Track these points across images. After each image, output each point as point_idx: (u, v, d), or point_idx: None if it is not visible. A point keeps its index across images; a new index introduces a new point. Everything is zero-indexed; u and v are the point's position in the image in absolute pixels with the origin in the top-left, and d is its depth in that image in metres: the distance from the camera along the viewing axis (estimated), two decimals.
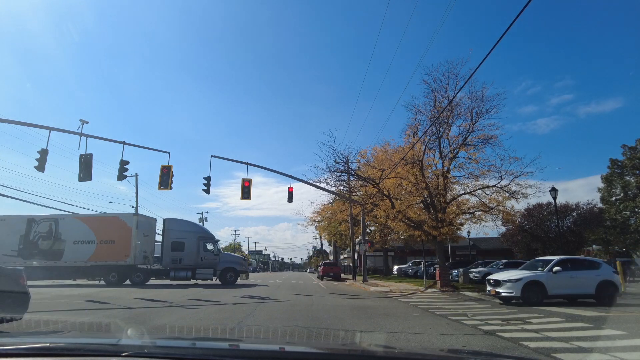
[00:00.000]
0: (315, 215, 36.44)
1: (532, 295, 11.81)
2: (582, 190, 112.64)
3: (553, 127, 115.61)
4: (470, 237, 34.95)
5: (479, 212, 19.42)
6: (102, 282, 21.59)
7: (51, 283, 20.85)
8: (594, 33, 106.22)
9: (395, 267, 41.31)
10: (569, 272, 12.26)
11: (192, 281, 22.55)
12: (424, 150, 19.43)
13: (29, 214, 22.85)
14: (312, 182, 21.48)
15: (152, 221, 24.58)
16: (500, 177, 18.37)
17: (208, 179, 17.47)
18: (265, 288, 19.52)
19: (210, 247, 23.20)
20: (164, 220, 23.75)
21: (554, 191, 20.33)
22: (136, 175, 38.02)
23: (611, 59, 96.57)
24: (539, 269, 12.77)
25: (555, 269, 12.17)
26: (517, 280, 12.01)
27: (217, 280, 22.72)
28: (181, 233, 22.97)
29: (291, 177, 20.59)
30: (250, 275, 29.02)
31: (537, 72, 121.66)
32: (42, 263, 21.24)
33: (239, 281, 23.15)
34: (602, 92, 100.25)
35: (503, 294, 12.18)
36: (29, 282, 22.66)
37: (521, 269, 13.96)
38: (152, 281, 22.93)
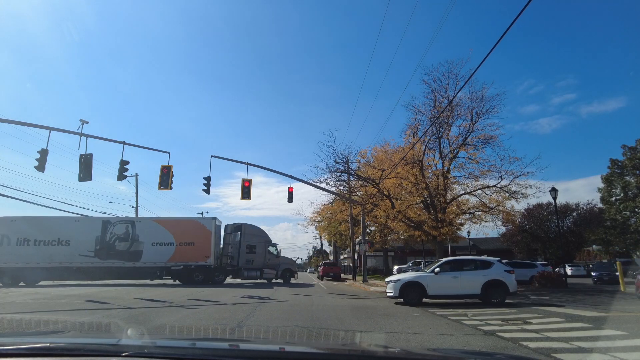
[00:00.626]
0: (315, 215, 36.47)
1: (411, 295, 12.19)
2: (584, 190, 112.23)
3: (555, 127, 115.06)
4: (470, 237, 34.96)
5: (479, 212, 19.45)
6: (177, 282, 22.93)
7: (89, 283, 21.60)
8: (598, 31, 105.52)
9: (395, 267, 41.20)
10: (452, 273, 12.43)
11: (260, 280, 24.98)
12: (424, 150, 19.46)
13: (104, 215, 24.43)
14: (312, 182, 21.51)
15: (220, 224, 25.85)
16: (500, 177, 18.43)
17: (208, 179, 17.47)
18: (268, 290, 19.52)
19: (273, 250, 25.69)
20: (242, 225, 25.58)
21: (554, 191, 20.31)
22: (136, 175, 38.05)
23: (615, 58, 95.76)
24: (424, 269, 13.28)
25: (436, 270, 12.47)
26: (396, 281, 12.57)
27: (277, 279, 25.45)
28: (253, 237, 25.09)
29: (291, 177, 20.59)
30: None
31: (540, 71, 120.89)
32: (120, 264, 22.02)
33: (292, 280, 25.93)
34: (605, 91, 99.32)
35: (388, 294, 12.70)
36: (107, 281, 21.51)
37: (417, 270, 14.54)
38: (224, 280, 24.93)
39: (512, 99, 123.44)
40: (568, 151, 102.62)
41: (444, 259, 13.53)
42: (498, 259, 13.56)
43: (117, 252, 22.14)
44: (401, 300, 12.33)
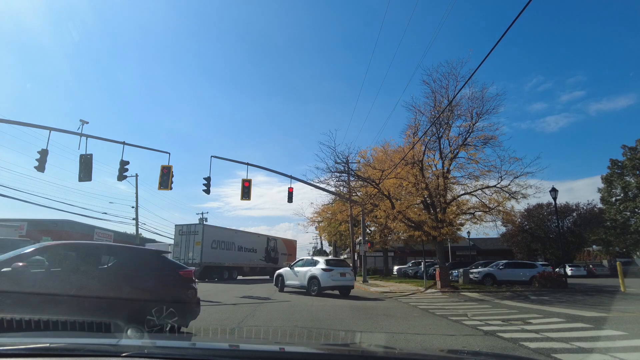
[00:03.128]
0: (316, 215, 36.43)
1: (278, 283, 17.18)
2: (588, 190, 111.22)
3: (562, 125, 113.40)
4: (470, 237, 34.96)
5: (479, 213, 19.40)
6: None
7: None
8: (610, 26, 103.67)
9: (396, 268, 41.31)
10: (296, 269, 16.44)
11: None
12: (424, 150, 19.42)
13: (268, 234, 35.38)
14: (312, 182, 21.47)
15: None
16: (501, 177, 18.38)
17: (208, 179, 17.46)
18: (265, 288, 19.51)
19: None
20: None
21: (554, 191, 20.31)
22: (136, 176, 38.22)
23: (626, 53, 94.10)
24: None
25: (291, 265, 17.19)
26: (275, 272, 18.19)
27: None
28: None
29: (291, 177, 20.57)
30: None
31: (550, 67, 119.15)
32: (272, 266, 32.05)
33: None
34: (615, 88, 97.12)
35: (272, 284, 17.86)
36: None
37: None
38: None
39: (519, 96, 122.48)
40: (574, 150, 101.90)
41: (299, 258, 18.04)
42: (326, 258, 17.02)
43: (271, 257, 33.63)
44: (277, 287, 17.21)
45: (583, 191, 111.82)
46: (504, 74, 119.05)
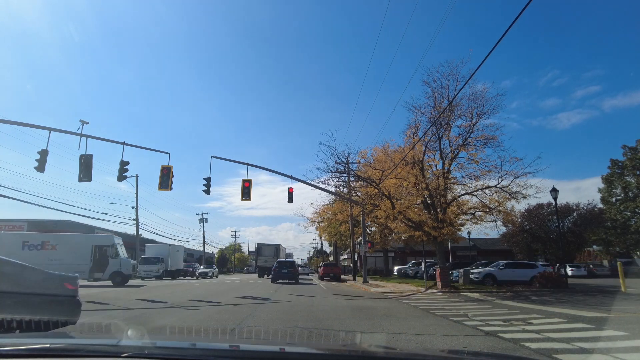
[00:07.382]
0: (316, 215, 36.47)
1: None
2: (594, 189, 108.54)
3: (574, 121, 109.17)
4: (470, 237, 34.93)
5: (480, 213, 19.38)
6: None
7: None
8: (631, 18, 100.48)
9: (396, 268, 41.30)
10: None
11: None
12: (424, 150, 19.40)
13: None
14: (312, 182, 21.48)
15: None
16: (501, 177, 18.35)
17: (208, 179, 17.46)
18: (264, 288, 19.50)
19: None
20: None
21: (554, 191, 20.28)
22: (136, 176, 38.40)
23: None
24: None
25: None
26: None
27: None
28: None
29: (291, 177, 20.58)
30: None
31: (567, 61, 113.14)
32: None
33: None
34: (631, 82, 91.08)
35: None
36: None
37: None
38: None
39: (533, 91, 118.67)
40: (582, 148, 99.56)
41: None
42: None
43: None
44: None
45: (590, 190, 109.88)
46: (519, 68, 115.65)
